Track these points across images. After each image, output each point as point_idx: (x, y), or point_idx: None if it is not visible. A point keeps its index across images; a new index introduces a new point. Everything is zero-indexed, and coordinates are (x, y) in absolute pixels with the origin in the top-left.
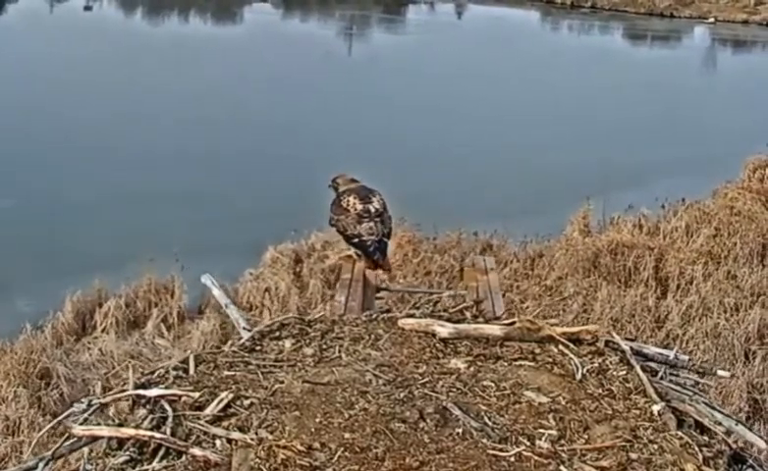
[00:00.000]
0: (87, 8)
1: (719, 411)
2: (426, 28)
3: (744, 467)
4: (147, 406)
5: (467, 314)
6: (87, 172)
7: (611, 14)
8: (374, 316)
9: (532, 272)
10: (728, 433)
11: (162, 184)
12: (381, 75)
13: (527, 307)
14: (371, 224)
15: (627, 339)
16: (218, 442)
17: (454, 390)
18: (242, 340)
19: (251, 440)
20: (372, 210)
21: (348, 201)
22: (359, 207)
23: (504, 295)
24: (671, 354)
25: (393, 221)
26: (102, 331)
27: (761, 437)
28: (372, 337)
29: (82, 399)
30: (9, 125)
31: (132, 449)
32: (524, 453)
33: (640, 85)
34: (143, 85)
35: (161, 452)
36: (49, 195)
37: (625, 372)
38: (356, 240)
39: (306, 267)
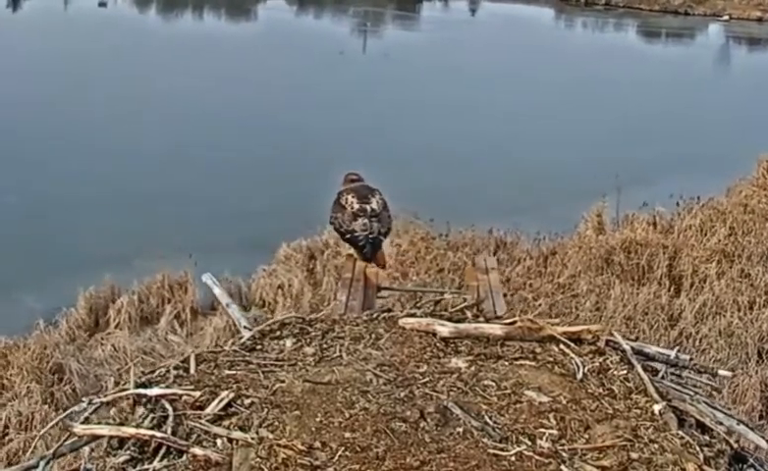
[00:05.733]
0: (102, 4)
1: (720, 410)
2: (440, 26)
3: (746, 467)
4: (148, 405)
5: (468, 313)
6: (98, 170)
7: (625, 11)
8: (375, 315)
9: (545, 269)
10: (729, 432)
11: (173, 183)
12: (394, 72)
13: (540, 305)
14: (366, 221)
15: (628, 338)
16: (219, 441)
17: (454, 389)
18: (242, 340)
19: (252, 439)
20: (369, 209)
21: (346, 199)
22: (356, 206)
23: (516, 293)
24: (671, 354)
25: (405, 218)
26: (115, 327)
27: (762, 436)
28: (373, 336)
29: (84, 399)
30: (19, 121)
31: (132, 449)
32: (525, 453)
33: (654, 83)
34: (155, 83)
35: (162, 452)
36: (59, 193)
37: (625, 371)
38: (349, 236)
39: (320, 263)
